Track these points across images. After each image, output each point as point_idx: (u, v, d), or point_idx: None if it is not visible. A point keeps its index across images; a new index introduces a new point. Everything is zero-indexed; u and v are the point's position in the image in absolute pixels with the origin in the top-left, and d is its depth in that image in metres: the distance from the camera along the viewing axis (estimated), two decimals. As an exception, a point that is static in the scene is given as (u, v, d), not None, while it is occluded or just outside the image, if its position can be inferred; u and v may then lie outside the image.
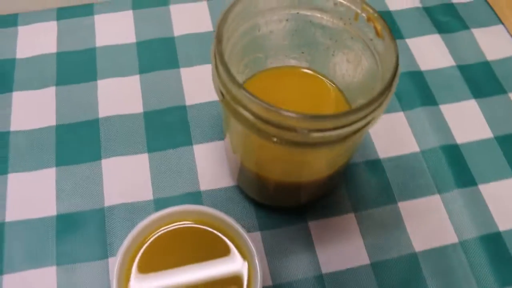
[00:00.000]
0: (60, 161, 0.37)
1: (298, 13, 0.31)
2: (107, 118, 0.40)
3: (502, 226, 0.36)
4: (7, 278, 0.33)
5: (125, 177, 0.37)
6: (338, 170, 0.32)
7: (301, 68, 0.35)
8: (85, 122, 0.39)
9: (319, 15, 0.30)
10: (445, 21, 0.47)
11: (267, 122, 0.24)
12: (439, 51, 0.45)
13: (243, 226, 0.35)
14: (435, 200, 0.37)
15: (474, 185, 0.38)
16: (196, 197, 0.36)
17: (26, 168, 0.37)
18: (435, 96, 0.42)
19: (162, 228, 0.31)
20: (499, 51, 0.46)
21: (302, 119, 0.23)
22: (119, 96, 0.41)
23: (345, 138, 0.25)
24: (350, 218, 0.36)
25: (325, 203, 0.37)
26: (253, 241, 0.30)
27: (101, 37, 0.44)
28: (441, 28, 0.47)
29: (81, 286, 0.33)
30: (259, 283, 0.29)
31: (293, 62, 0.35)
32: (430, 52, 0.45)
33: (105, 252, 0.34)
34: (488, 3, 0.49)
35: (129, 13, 0.46)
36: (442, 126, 0.41)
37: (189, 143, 0.39)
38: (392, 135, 0.40)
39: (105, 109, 0.40)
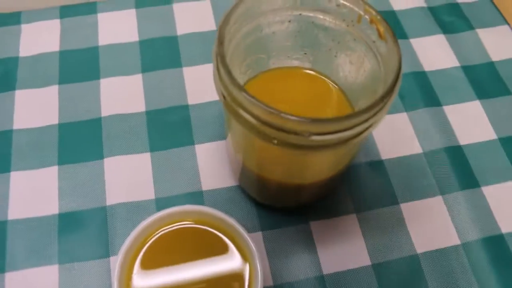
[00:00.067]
0: (62, 160, 0.38)
1: (300, 14, 0.30)
2: (110, 117, 0.40)
3: (505, 229, 0.36)
4: (9, 276, 0.33)
5: (127, 176, 0.37)
6: (340, 172, 0.32)
7: (303, 68, 0.35)
8: (88, 121, 0.39)
9: (321, 17, 0.30)
10: (450, 21, 0.47)
11: (267, 124, 0.24)
12: (443, 51, 0.45)
13: (245, 226, 0.35)
14: (438, 201, 0.37)
15: (477, 186, 0.38)
16: (197, 197, 0.37)
17: (29, 167, 0.37)
18: (438, 97, 0.42)
19: (164, 228, 0.31)
20: (504, 51, 0.45)
21: (302, 122, 0.23)
22: (122, 95, 0.41)
23: (346, 141, 0.25)
24: (351, 219, 0.36)
25: (327, 204, 0.37)
26: (254, 241, 0.30)
27: (104, 35, 0.44)
28: (445, 28, 0.46)
29: (83, 284, 0.33)
30: (260, 283, 0.29)
31: (295, 63, 0.34)
32: (434, 53, 0.45)
33: (106, 251, 0.34)
34: (494, 3, 0.48)
35: (132, 11, 0.46)
36: (445, 127, 0.41)
37: (191, 142, 0.39)
38: (395, 136, 0.40)
39: (107, 108, 0.40)
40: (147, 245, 0.30)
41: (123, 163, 0.38)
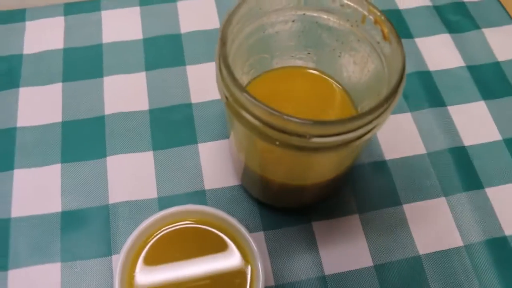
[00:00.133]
0: (66, 158, 0.38)
1: (304, 14, 0.30)
2: (113, 115, 0.40)
3: (508, 231, 0.36)
4: (12, 273, 0.33)
5: (130, 175, 0.37)
6: (343, 173, 0.32)
7: (307, 68, 0.34)
8: (91, 119, 0.40)
9: (325, 17, 0.30)
10: (456, 20, 0.46)
11: (269, 126, 0.24)
12: (449, 51, 0.44)
13: (247, 226, 0.35)
14: (441, 202, 0.37)
15: (481, 188, 0.38)
16: (200, 196, 0.37)
17: (32, 164, 0.37)
18: (443, 97, 0.42)
19: (165, 228, 0.31)
20: (510, 51, 0.45)
21: (304, 124, 0.23)
22: (125, 93, 0.41)
23: (349, 143, 0.25)
24: (354, 220, 0.36)
25: (329, 204, 0.36)
26: (256, 241, 0.30)
27: (108, 33, 0.44)
28: (451, 28, 0.46)
29: (85, 283, 0.33)
30: (261, 283, 0.29)
31: (299, 63, 0.34)
32: (439, 52, 0.44)
33: (109, 250, 0.34)
34: (500, 2, 0.48)
35: (136, 9, 0.46)
36: (449, 127, 0.40)
37: (194, 141, 0.39)
38: (399, 136, 0.40)
39: (110, 106, 0.40)
40: (149, 244, 0.30)
41: (126, 162, 0.38)
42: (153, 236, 0.31)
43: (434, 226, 0.36)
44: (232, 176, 0.37)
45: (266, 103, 0.24)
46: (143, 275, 0.30)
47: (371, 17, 0.28)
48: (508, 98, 0.42)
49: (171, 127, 0.39)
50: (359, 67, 0.31)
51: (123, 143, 0.38)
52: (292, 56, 0.34)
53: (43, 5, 0.46)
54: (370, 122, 0.24)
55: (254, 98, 0.24)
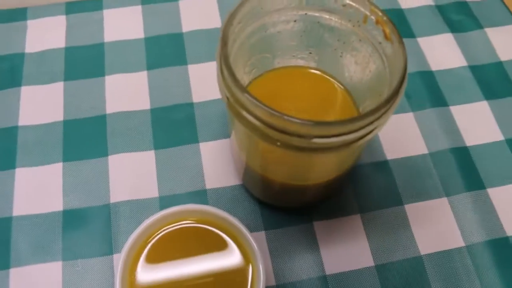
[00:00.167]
0: (67, 157, 0.38)
1: (306, 14, 0.30)
2: (114, 114, 0.40)
3: (510, 231, 0.36)
4: (13, 272, 0.33)
5: (131, 174, 0.37)
6: (344, 173, 0.32)
7: (309, 68, 0.34)
8: (92, 118, 0.40)
9: (327, 17, 0.30)
10: (458, 20, 0.46)
11: (270, 126, 0.24)
12: (451, 50, 0.44)
13: (248, 226, 0.35)
14: (443, 203, 0.37)
15: (483, 188, 0.38)
16: (201, 195, 0.37)
17: (33, 163, 0.37)
18: (445, 97, 0.42)
19: (167, 227, 0.31)
20: (513, 51, 0.45)
21: (305, 125, 0.23)
22: (127, 92, 0.41)
23: (350, 143, 0.25)
24: (355, 219, 0.36)
25: (330, 204, 0.36)
26: (257, 240, 0.30)
27: (109, 32, 0.44)
28: (453, 27, 0.46)
29: (86, 281, 0.33)
30: (261, 283, 0.29)
31: (301, 62, 0.34)
32: (441, 52, 0.44)
33: (110, 249, 0.34)
34: (503, 2, 0.48)
35: (138, 8, 0.46)
36: (451, 127, 0.40)
37: (196, 140, 0.39)
38: (401, 136, 0.40)
39: (112, 105, 0.40)
40: (150, 243, 0.31)
41: (127, 161, 0.38)
42: (154, 236, 0.31)
43: (435, 226, 0.36)
44: (233, 176, 0.37)
45: (267, 104, 0.24)
46: (144, 274, 0.30)
47: (373, 17, 0.28)
48: (510, 98, 0.42)
49: (173, 126, 0.39)
50: (360, 67, 0.31)
51: (124, 142, 0.38)
52: (294, 55, 0.34)
53: (45, 4, 0.46)
54: (372, 123, 0.24)
55: (255, 98, 0.24)
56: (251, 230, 0.35)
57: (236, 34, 0.27)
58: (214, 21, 0.45)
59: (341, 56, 0.32)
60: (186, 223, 0.31)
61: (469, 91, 0.42)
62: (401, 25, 0.46)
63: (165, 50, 0.43)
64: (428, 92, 0.42)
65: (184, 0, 0.46)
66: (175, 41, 0.44)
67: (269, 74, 0.34)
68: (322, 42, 0.32)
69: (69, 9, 0.45)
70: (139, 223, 0.30)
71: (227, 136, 0.39)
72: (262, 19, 0.30)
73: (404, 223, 0.36)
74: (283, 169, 0.31)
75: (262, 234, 0.35)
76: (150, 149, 0.38)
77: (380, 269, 0.34)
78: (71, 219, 0.35)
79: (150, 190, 0.37)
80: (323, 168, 0.30)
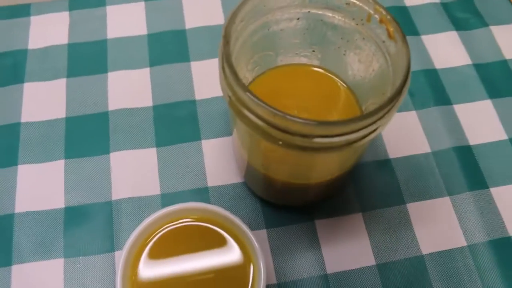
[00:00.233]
0: (69, 154, 0.38)
1: (309, 12, 0.30)
2: (116, 111, 0.40)
3: (513, 231, 0.36)
4: (15, 268, 0.33)
5: (133, 171, 0.37)
6: (346, 172, 0.32)
7: (312, 66, 0.34)
8: (95, 114, 0.40)
9: (330, 14, 0.30)
10: (463, 17, 0.46)
11: (272, 125, 0.24)
12: (455, 48, 0.44)
13: (250, 224, 0.35)
14: (445, 202, 0.37)
15: (486, 188, 0.37)
16: (203, 193, 0.36)
17: (36, 160, 0.37)
18: (449, 96, 0.42)
19: (168, 225, 0.31)
20: (518, 49, 0.44)
21: (308, 124, 0.23)
22: (129, 89, 0.41)
23: (352, 143, 0.25)
24: (357, 218, 0.36)
25: (332, 202, 0.36)
26: (258, 239, 0.30)
27: (112, 28, 0.44)
28: (458, 25, 0.45)
29: (87, 279, 0.33)
30: (262, 281, 0.29)
31: (303, 60, 0.34)
32: (446, 50, 0.44)
33: (111, 246, 0.34)
34: (509, -1, 0.47)
35: (141, 4, 0.45)
36: (455, 126, 0.40)
37: (198, 138, 0.39)
38: (404, 135, 0.40)
39: (114, 102, 0.40)
40: (151, 241, 0.31)
41: (130, 158, 0.38)
42: (155, 233, 0.31)
43: (437, 225, 0.36)
44: (235, 174, 0.37)
45: (270, 102, 0.23)
46: (145, 272, 0.30)
47: (376, 16, 0.28)
48: (515, 97, 0.42)
49: (175, 123, 0.39)
50: (364, 65, 0.31)
51: (126, 139, 0.38)
52: (297, 53, 0.34)
53: (48, 0, 0.45)
54: (374, 122, 0.24)
55: (257, 97, 0.23)
56: (252, 228, 0.35)
57: (238, 32, 0.27)
58: (217, 18, 0.45)
59: (344, 54, 0.32)
60: (187, 221, 0.31)
61: (473, 89, 0.42)
62: (405, 22, 0.45)
63: (168, 47, 0.43)
64: (432, 90, 0.42)
65: (187, -3, 0.46)
66: (178, 38, 0.44)
67: (272, 72, 0.34)
68: (325, 40, 0.32)
69: (72, 5, 0.45)
70: (141, 220, 0.30)
71: (230, 133, 0.39)
72: (265, 17, 0.29)
73: (406, 222, 0.36)
74: (284, 168, 0.31)
75: (263, 232, 0.35)
76: (152, 147, 0.38)
77: (382, 268, 0.34)
78: (73, 216, 0.35)
79: (152, 187, 0.37)
80: (325, 167, 0.30)
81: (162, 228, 0.31)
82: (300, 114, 0.32)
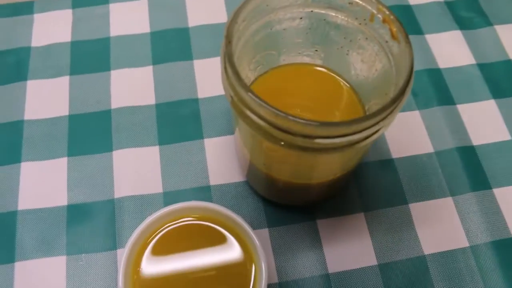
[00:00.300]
0: (72, 151, 0.38)
1: (312, 11, 0.30)
2: (119, 109, 0.40)
3: (515, 232, 0.36)
4: (18, 265, 0.34)
5: (136, 169, 0.37)
6: (349, 172, 0.32)
7: (314, 65, 0.34)
8: (98, 112, 0.40)
9: (333, 14, 0.30)
10: (468, 17, 0.46)
11: (274, 126, 0.24)
12: (459, 48, 0.44)
13: (251, 223, 0.35)
14: (447, 202, 0.37)
15: (489, 188, 0.37)
16: (205, 191, 0.37)
17: (39, 157, 0.37)
18: (452, 95, 0.41)
19: (170, 224, 0.31)
20: (523, 49, 0.44)
21: (310, 125, 0.23)
22: (132, 87, 0.41)
23: (355, 144, 0.25)
24: (359, 218, 0.36)
25: (334, 202, 0.36)
26: (260, 238, 0.30)
27: (115, 26, 0.44)
28: (463, 24, 0.45)
29: (90, 276, 0.33)
30: (264, 280, 0.29)
31: (306, 60, 0.34)
32: (449, 49, 0.44)
33: (114, 244, 0.34)
34: (514, -1, 0.47)
35: (144, 2, 0.45)
36: (458, 126, 0.40)
37: (200, 136, 0.39)
38: (407, 135, 0.39)
39: (117, 100, 0.40)
40: (153, 239, 0.31)
41: (132, 156, 0.38)
42: (157, 232, 0.31)
43: (440, 226, 0.36)
44: (237, 173, 0.37)
45: (272, 101, 0.23)
46: (147, 270, 0.30)
47: (379, 15, 0.28)
48: (519, 97, 0.42)
49: (178, 122, 0.39)
50: (367, 65, 0.31)
51: (129, 137, 0.38)
52: (300, 53, 0.34)
53: (51, -3, 0.46)
54: (377, 123, 0.24)
55: (259, 98, 0.23)
56: (254, 227, 0.35)
57: (240, 32, 0.27)
58: (221, 16, 0.45)
59: (347, 54, 0.32)
60: (189, 220, 0.31)
61: (477, 89, 0.42)
62: (409, 21, 0.45)
63: (171, 45, 0.43)
64: (435, 90, 0.41)
65: (190, -5, 0.46)
66: (181, 36, 0.44)
67: (275, 71, 0.34)
68: (328, 40, 0.32)
69: (75, 3, 0.45)
70: (143, 218, 0.31)
71: (232, 132, 0.39)
72: (267, 17, 0.29)
73: (408, 223, 0.36)
74: (286, 167, 0.31)
75: (265, 231, 0.35)
76: (154, 145, 0.38)
77: (383, 268, 0.34)
78: (76, 213, 0.35)
79: (154, 185, 0.37)
80: (327, 168, 0.30)
81: (164, 227, 0.31)
82: (303, 113, 0.32)
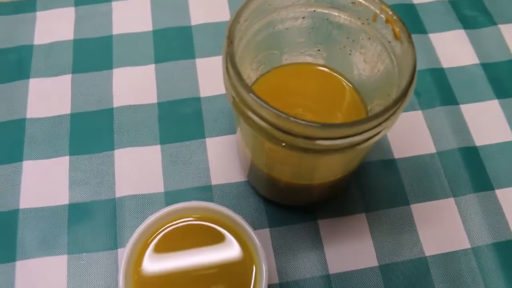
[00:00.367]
0: (74, 150, 0.38)
1: (315, 11, 0.30)
2: (121, 108, 0.40)
3: (517, 234, 0.35)
4: (19, 264, 0.34)
5: (137, 169, 0.37)
6: (350, 173, 0.32)
7: (317, 65, 0.34)
8: (100, 111, 0.40)
9: (336, 14, 0.29)
10: (472, 16, 0.45)
11: (276, 127, 0.24)
12: (463, 47, 0.44)
13: (252, 223, 0.35)
14: (449, 203, 0.37)
15: (491, 189, 0.37)
16: (206, 191, 0.36)
17: (40, 156, 0.37)
18: (455, 95, 0.41)
19: (171, 224, 0.31)
20: (527, 49, 0.44)
21: (311, 126, 0.23)
22: (134, 85, 0.41)
23: (356, 145, 0.25)
24: (360, 218, 0.36)
25: (336, 202, 0.36)
26: (261, 238, 0.30)
27: (118, 24, 0.44)
28: (466, 23, 0.45)
29: (90, 275, 0.33)
30: (264, 281, 0.29)
31: (309, 59, 0.34)
32: (453, 49, 0.43)
33: (115, 243, 0.34)
34: (518, -2, 0.47)
35: (147, 0, 0.45)
36: (461, 126, 0.40)
37: (202, 136, 0.39)
38: (409, 135, 0.39)
39: (119, 99, 0.40)
40: (154, 239, 0.31)
41: (134, 155, 0.38)
42: (158, 232, 0.31)
43: (441, 227, 0.36)
44: (239, 172, 0.37)
45: (273, 102, 0.23)
46: (148, 269, 0.30)
47: (382, 15, 0.27)
48: (523, 97, 0.41)
49: (179, 121, 0.39)
50: (369, 65, 0.31)
51: (131, 136, 0.38)
52: (302, 52, 0.33)
53: (54, -5, 0.46)
54: (379, 125, 0.24)
55: (261, 99, 0.23)
56: (255, 227, 0.35)
57: (242, 32, 0.27)
58: (223, 15, 0.45)
59: (349, 54, 0.32)
60: (190, 220, 0.31)
61: (480, 89, 0.42)
62: (412, 20, 0.45)
63: (173, 44, 0.43)
64: (438, 90, 0.41)
65: (193, -7, 0.46)
66: (183, 35, 0.44)
67: (277, 71, 0.34)
68: (331, 39, 0.31)
69: (78, 1, 0.45)
70: (144, 218, 0.30)
71: (234, 132, 0.39)
72: (270, 16, 0.29)
73: (409, 223, 0.36)
74: (288, 168, 0.30)
75: (266, 231, 0.35)
76: (156, 144, 0.38)
77: (384, 269, 0.34)
78: (77, 212, 0.35)
79: (156, 185, 0.37)
80: (329, 169, 0.30)
81: (165, 227, 0.31)
82: (305, 113, 0.32)
